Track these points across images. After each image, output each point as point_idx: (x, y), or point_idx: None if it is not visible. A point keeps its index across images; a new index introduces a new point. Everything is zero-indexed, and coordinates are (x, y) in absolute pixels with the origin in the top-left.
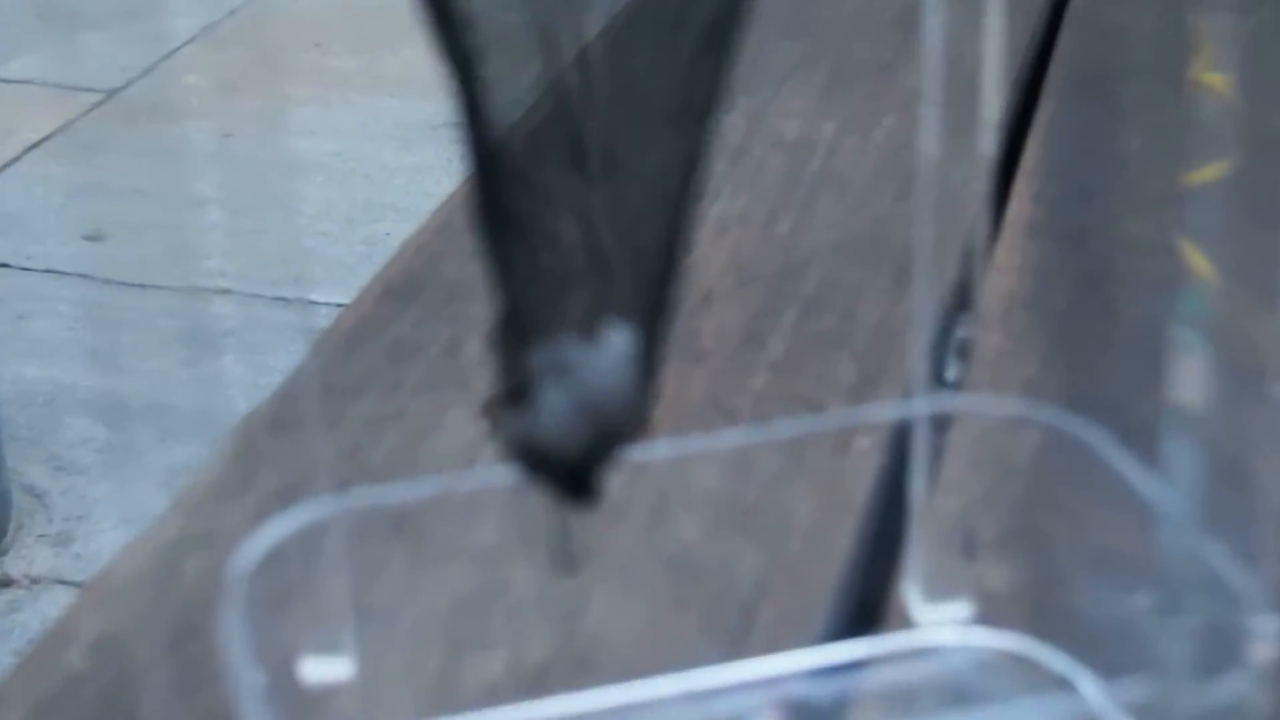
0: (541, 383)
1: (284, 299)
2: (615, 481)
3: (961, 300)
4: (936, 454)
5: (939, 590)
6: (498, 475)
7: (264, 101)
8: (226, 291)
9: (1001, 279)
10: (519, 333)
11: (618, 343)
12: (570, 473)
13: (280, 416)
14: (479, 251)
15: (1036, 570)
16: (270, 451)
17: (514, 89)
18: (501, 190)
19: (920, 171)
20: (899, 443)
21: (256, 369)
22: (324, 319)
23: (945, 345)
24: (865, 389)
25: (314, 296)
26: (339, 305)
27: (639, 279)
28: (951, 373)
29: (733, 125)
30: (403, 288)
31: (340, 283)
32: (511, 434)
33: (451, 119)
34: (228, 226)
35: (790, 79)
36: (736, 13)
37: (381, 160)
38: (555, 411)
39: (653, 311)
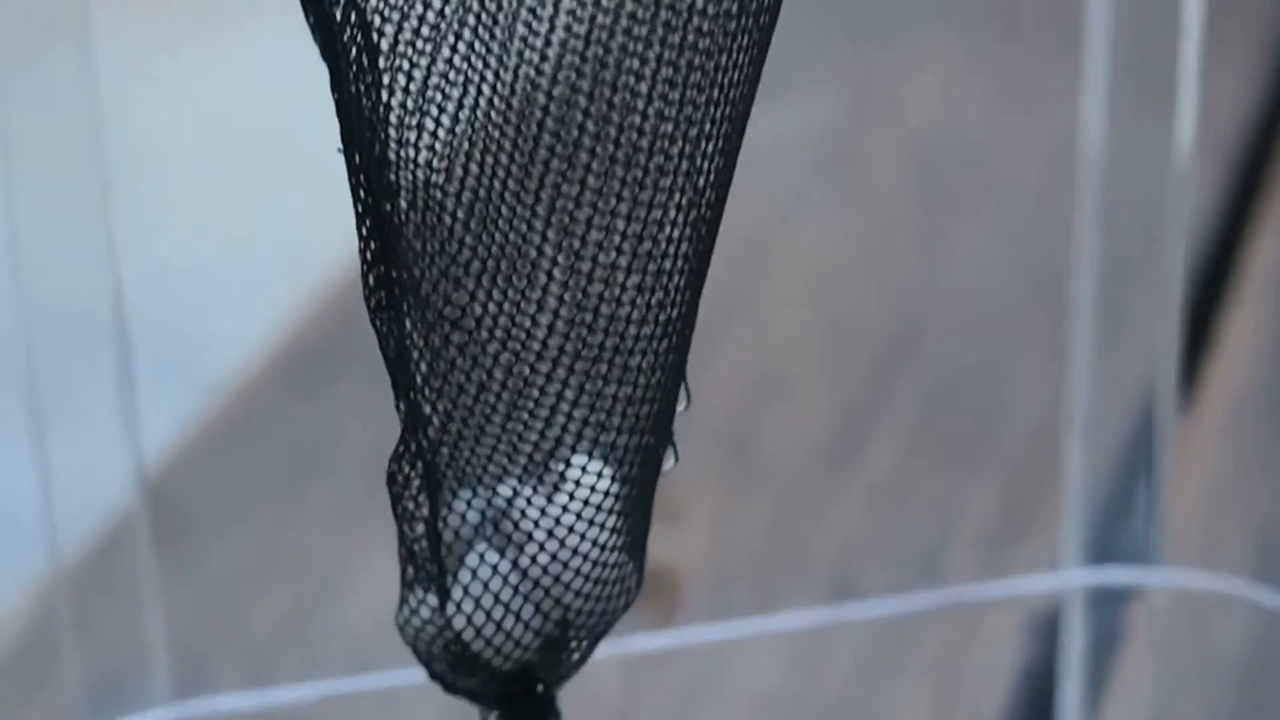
0: (465, 544)
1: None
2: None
3: (1154, 399)
4: (1105, 648)
5: None
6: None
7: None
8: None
9: (1228, 362)
10: (432, 469)
11: (584, 478)
12: (509, 680)
13: (104, 560)
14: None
15: None
16: (85, 618)
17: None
18: (409, 252)
19: (1084, 183)
20: (1050, 630)
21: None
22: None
23: (1130, 477)
24: (1012, 535)
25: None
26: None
27: (620, 375)
28: (1138, 522)
29: (823, 100)
30: (311, 357)
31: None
32: (421, 622)
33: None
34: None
35: (921, 21)
36: None
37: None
38: (485, 588)
39: (643, 425)
